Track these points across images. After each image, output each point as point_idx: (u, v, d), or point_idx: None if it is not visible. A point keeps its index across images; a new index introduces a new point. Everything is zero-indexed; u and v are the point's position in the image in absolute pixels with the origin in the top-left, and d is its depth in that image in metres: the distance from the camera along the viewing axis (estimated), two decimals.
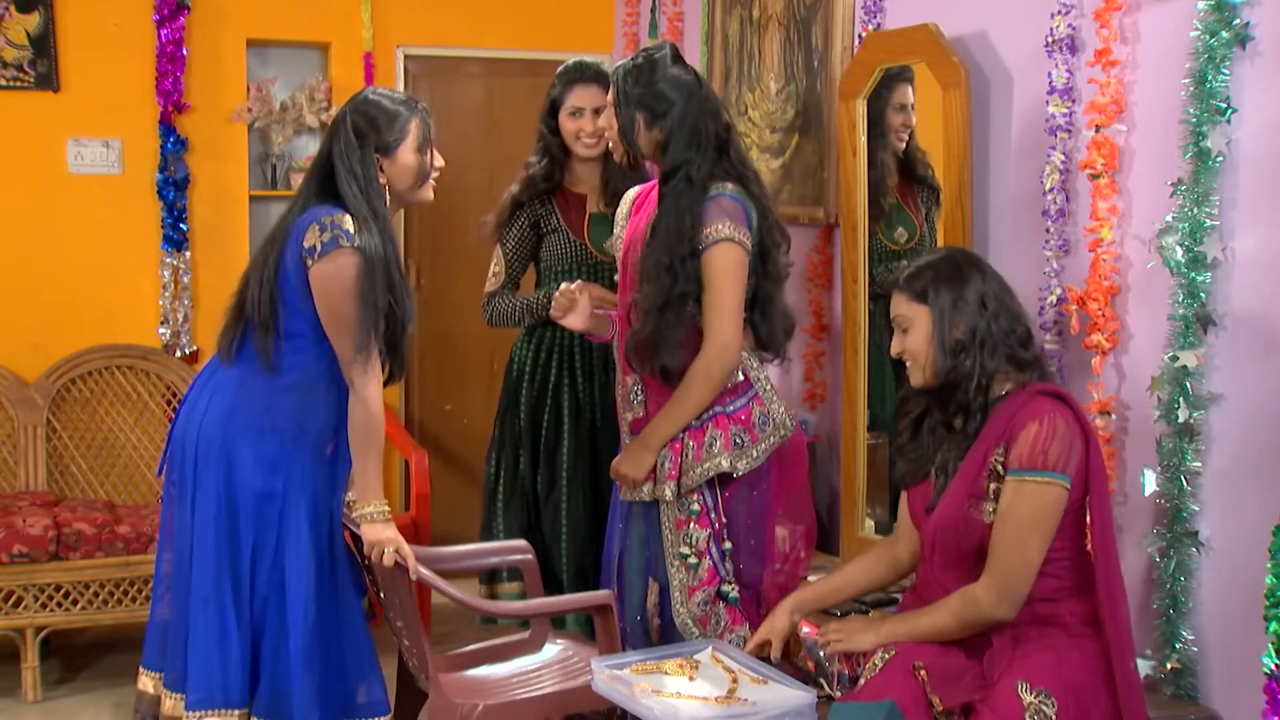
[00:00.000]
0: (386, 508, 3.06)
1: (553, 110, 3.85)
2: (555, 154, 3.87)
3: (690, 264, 3.07)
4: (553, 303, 3.38)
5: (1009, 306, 2.64)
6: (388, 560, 3.02)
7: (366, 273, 2.97)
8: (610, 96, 3.25)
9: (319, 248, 2.95)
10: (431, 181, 3.18)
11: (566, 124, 3.82)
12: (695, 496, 3.15)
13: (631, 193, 3.43)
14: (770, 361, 3.31)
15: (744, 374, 3.20)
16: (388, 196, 3.10)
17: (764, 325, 3.22)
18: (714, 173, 3.13)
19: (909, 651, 2.58)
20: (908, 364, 2.71)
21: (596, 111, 3.75)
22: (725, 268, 3.08)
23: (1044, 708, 2.44)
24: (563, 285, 3.34)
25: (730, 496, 3.19)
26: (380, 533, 3.04)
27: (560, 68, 3.88)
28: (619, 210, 3.45)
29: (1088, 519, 2.61)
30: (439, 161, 3.18)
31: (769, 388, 3.26)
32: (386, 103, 3.09)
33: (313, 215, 2.99)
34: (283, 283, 3.02)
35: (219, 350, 3.14)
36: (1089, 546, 2.62)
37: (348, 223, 2.96)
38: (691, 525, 3.16)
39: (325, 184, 3.06)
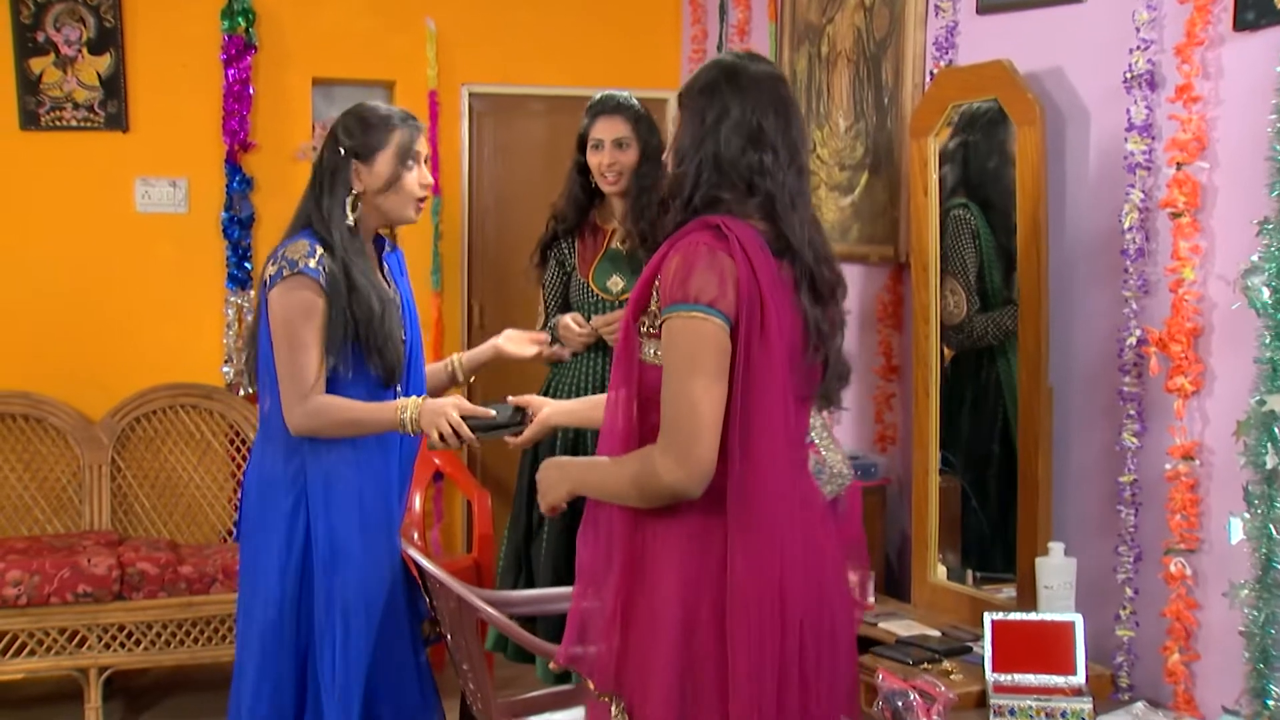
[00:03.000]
0: (406, 406, 2.96)
1: (581, 145, 3.84)
2: (576, 192, 3.88)
3: None
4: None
5: (755, 133, 2.27)
6: (449, 437, 2.93)
7: (328, 297, 2.92)
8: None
9: (268, 282, 2.97)
10: (417, 201, 3.10)
11: (590, 158, 3.81)
12: None
13: None
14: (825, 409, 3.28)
15: None
16: (359, 205, 3.05)
17: None
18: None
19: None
20: None
21: (617, 143, 3.75)
22: None
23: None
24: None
25: None
26: (430, 423, 2.95)
27: (590, 101, 3.89)
28: None
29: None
30: (425, 179, 3.10)
31: (826, 436, 3.22)
32: (372, 112, 3.08)
33: (281, 245, 3.00)
34: (263, 316, 3.02)
35: None
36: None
37: (295, 250, 2.95)
38: None
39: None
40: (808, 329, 2.26)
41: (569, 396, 3.80)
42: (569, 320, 3.76)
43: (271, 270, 2.96)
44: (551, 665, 2.43)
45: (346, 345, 2.96)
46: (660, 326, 2.21)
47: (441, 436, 2.92)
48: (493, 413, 2.98)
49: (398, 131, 3.06)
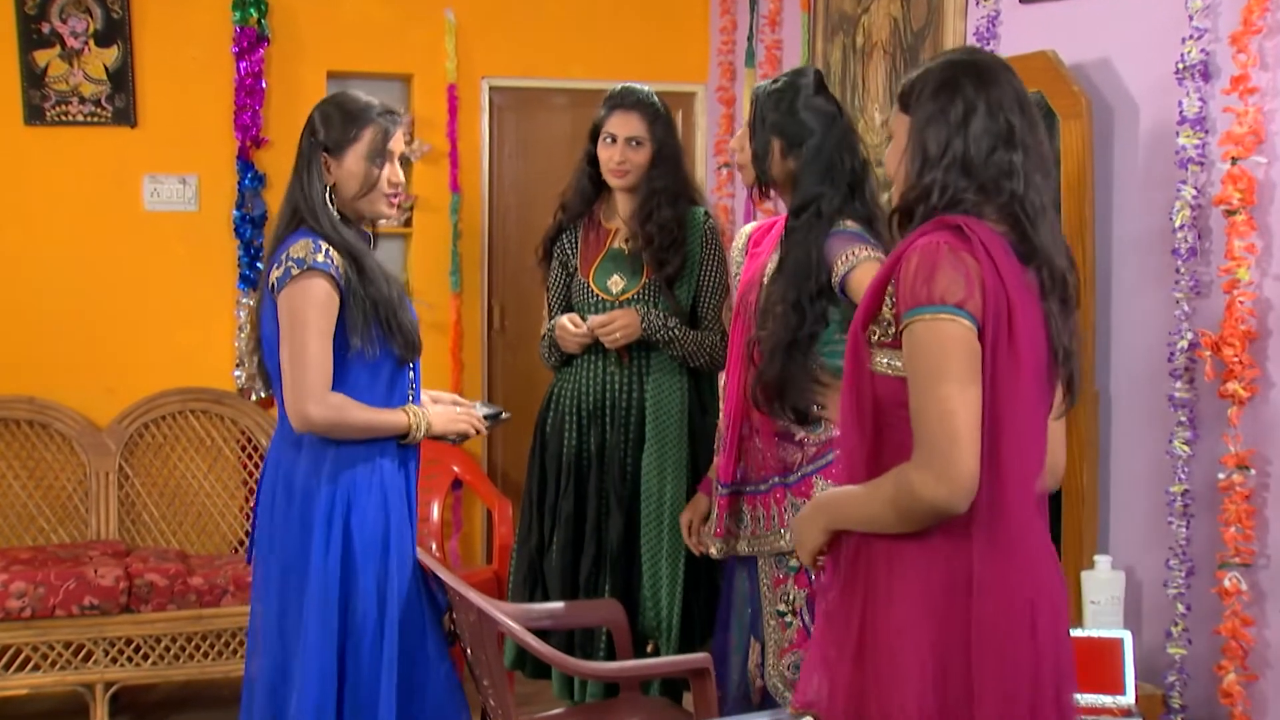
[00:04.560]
0: (413, 413, 3.08)
1: (594, 135, 3.81)
2: (584, 184, 3.85)
3: (818, 303, 3.03)
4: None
5: (1006, 132, 2.18)
6: (469, 431, 3.26)
7: (342, 291, 2.97)
8: (747, 118, 3.25)
9: (275, 285, 2.98)
10: (388, 197, 3.12)
11: (601, 151, 3.77)
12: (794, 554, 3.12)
13: (748, 228, 3.43)
14: None
15: None
16: (335, 200, 3.07)
17: None
18: (842, 209, 3.10)
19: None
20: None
21: (630, 141, 3.71)
22: None
23: None
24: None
25: None
26: (449, 423, 3.20)
27: (608, 92, 3.86)
28: (734, 245, 3.44)
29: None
30: (395, 177, 3.11)
31: None
32: (350, 103, 3.10)
33: (280, 248, 3.01)
34: (266, 318, 3.04)
35: None
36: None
37: (300, 249, 2.96)
38: (790, 583, 3.13)
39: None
40: (1053, 342, 2.18)
41: (572, 402, 3.78)
42: (565, 321, 3.73)
43: (278, 273, 2.97)
44: (790, 710, 2.37)
45: (370, 329, 3.00)
46: (897, 334, 2.13)
47: (464, 432, 3.25)
48: (483, 408, 3.37)
49: (371, 127, 3.08)
